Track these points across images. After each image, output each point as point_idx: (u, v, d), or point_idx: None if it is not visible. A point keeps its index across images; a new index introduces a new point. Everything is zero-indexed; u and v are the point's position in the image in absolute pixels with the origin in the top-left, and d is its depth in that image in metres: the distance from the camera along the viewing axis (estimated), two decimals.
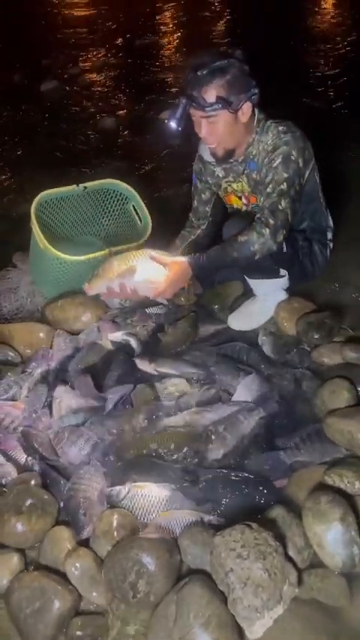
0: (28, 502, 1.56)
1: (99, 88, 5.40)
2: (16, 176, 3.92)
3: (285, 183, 1.82)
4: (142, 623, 1.34)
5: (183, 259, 1.91)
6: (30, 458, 1.78)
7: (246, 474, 1.61)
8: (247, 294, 2.29)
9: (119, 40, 6.82)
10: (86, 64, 6.09)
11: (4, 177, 3.93)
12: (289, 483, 1.61)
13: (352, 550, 1.36)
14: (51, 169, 3.83)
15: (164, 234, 2.43)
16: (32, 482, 1.68)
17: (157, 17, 7.80)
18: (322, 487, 1.50)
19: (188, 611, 1.24)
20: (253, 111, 1.87)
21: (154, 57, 6.09)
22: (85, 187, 2.44)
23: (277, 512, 1.47)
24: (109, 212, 2.61)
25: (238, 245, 1.84)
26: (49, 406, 1.95)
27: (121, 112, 4.80)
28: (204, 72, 1.73)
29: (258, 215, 1.85)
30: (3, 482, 1.72)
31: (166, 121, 1.80)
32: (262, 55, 5.30)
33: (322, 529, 1.37)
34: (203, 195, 2.25)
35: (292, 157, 1.83)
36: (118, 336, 2.18)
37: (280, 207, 1.81)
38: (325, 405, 1.79)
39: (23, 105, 5.11)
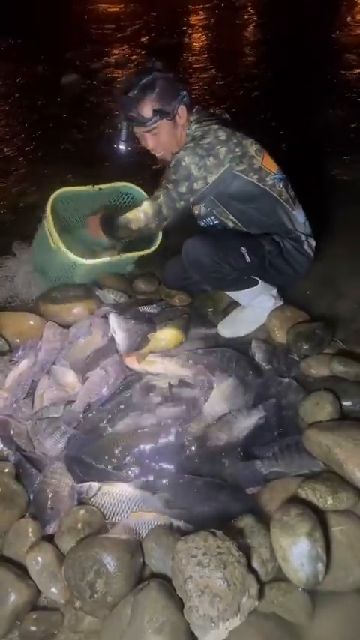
0: None
1: (118, 85, 5.40)
2: (27, 167, 3.94)
3: (171, 184, 1.96)
4: (97, 622, 1.32)
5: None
6: (6, 447, 1.77)
7: (219, 481, 1.59)
8: None
9: (144, 39, 6.82)
10: (108, 59, 6.10)
11: (14, 167, 3.95)
12: (262, 493, 1.58)
13: (317, 566, 1.32)
14: (62, 162, 3.85)
15: (174, 238, 2.40)
16: (5, 471, 1.67)
17: (185, 19, 7.78)
18: (294, 500, 1.48)
19: (142, 615, 1.22)
20: (188, 112, 1.97)
21: (178, 57, 6.08)
22: (100, 189, 2.45)
23: (246, 522, 1.44)
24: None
25: (134, 216, 2.03)
26: (32, 397, 1.94)
27: None
28: (135, 91, 1.89)
29: (162, 192, 2.00)
30: None
31: (115, 147, 1.98)
32: (290, 61, 5.34)
33: (288, 542, 1.34)
34: None
35: (183, 163, 1.93)
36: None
37: (162, 197, 1.98)
38: (307, 417, 1.77)
39: (42, 96, 5.15)
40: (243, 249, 2.02)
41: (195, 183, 1.94)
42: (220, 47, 6.44)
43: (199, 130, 1.96)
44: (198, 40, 6.82)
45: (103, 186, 2.47)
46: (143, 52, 6.32)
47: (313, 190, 2.18)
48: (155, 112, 1.90)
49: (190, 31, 7.22)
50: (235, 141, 1.96)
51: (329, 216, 2.69)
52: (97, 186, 2.45)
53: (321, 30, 6.54)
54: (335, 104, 4.45)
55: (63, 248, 2.20)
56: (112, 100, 4.98)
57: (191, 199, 1.99)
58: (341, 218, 2.72)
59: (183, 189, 1.95)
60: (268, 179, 2.01)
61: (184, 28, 7.32)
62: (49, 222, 2.24)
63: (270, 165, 2.04)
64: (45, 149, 4.18)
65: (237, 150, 1.95)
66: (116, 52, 6.37)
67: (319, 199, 2.21)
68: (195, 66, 5.83)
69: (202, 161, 1.92)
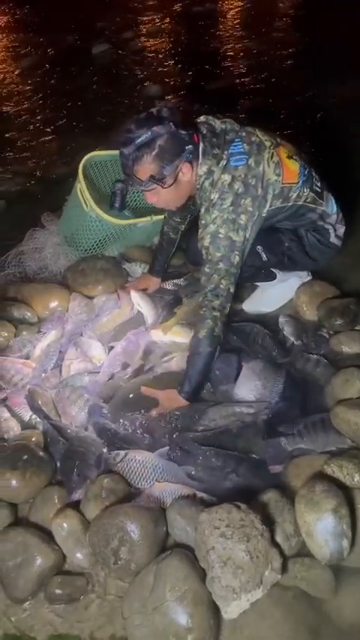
0: (25, 458, 1.58)
1: (149, 54, 5.30)
2: (57, 138, 3.93)
3: (221, 263, 1.74)
4: (120, 589, 1.34)
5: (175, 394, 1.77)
6: (34, 416, 1.80)
7: (243, 456, 1.59)
8: None
9: (177, 6, 6.65)
10: (140, 28, 5.98)
11: (45, 139, 3.94)
12: (287, 469, 1.57)
13: (342, 543, 1.31)
14: (91, 133, 3.83)
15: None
16: (33, 439, 1.70)
17: None
18: (320, 476, 1.46)
19: (165, 584, 1.23)
20: (194, 165, 1.74)
21: (209, 26, 5.92)
22: None
23: (270, 496, 1.44)
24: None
25: (199, 341, 1.74)
26: (60, 367, 1.96)
27: (168, 79, 4.70)
28: (131, 149, 1.64)
29: (202, 298, 1.77)
30: (5, 437, 1.74)
31: (111, 205, 1.92)
32: (329, 28, 5.13)
33: (313, 518, 1.33)
34: None
35: (221, 235, 1.73)
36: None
37: (221, 286, 1.74)
38: (335, 394, 1.73)
39: (73, 66, 5.11)
40: (259, 248, 1.92)
41: (242, 246, 1.76)
42: (255, 13, 6.24)
43: (215, 192, 1.73)
44: (232, 6, 6.60)
45: None
46: (175, 21, 6.18)
47: (346, 161, 2.08)
48: (151, 178, 1.68)
49: None
50: (252, 182, 1.74)
51: None
52: None
53: None
54: None
55: (95, 207, 2.18)
56: (144, 70, 4.91)
57: (242, 262, 1.79)
58: None
59: (236, 258, 1.74)
60: (291, 194, 1.85)
61: None
62: (81, 184, 2.23)
63: (291, 176, 1.83)
64: (75, 120, 4.16)
65: (259, 190, 1.76)
66: (147, 20, 6.24)
67: (352, 171, 2.12)
68: (228, 34, 5.66)
69: (235, 224, 1.73)
